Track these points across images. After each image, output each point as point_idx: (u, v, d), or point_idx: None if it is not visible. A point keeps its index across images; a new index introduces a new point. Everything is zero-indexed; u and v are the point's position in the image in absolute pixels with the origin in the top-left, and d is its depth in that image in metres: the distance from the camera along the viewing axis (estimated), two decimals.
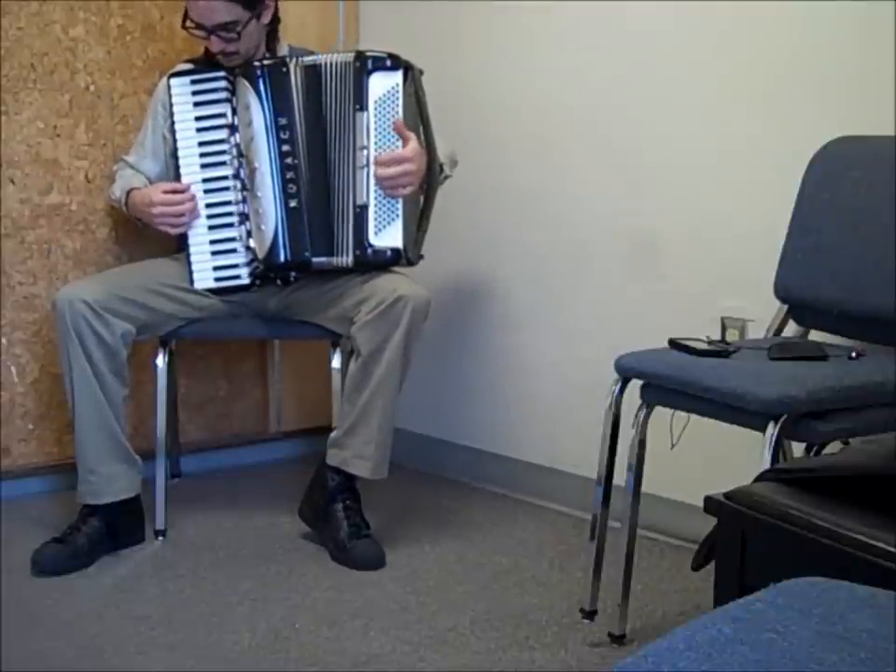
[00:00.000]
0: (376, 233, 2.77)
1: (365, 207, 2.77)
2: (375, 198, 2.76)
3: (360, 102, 2.76)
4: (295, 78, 2.80)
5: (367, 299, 2.73)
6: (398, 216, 2.77)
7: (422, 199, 2.87)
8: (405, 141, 2.74)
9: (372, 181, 2.76)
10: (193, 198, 2.85)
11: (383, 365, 2.70)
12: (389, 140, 2.76)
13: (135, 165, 3.00)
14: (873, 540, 1.37)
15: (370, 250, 2.78)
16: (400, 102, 2.75)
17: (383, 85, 2.75)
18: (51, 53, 3.10)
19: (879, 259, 2.25)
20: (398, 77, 2.75)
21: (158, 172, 2.99)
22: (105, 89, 3.20)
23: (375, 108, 2.75)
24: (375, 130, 2.76)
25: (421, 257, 2.89)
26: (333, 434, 2.81)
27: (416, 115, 2.81)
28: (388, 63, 2.76)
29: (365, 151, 2.76)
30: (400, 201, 2.77)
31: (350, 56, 2.79)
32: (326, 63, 2.80)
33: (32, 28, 3.07)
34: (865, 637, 0.98)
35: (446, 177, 2.91)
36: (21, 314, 3.13)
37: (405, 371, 2.75)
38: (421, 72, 2.83)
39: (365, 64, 2.76)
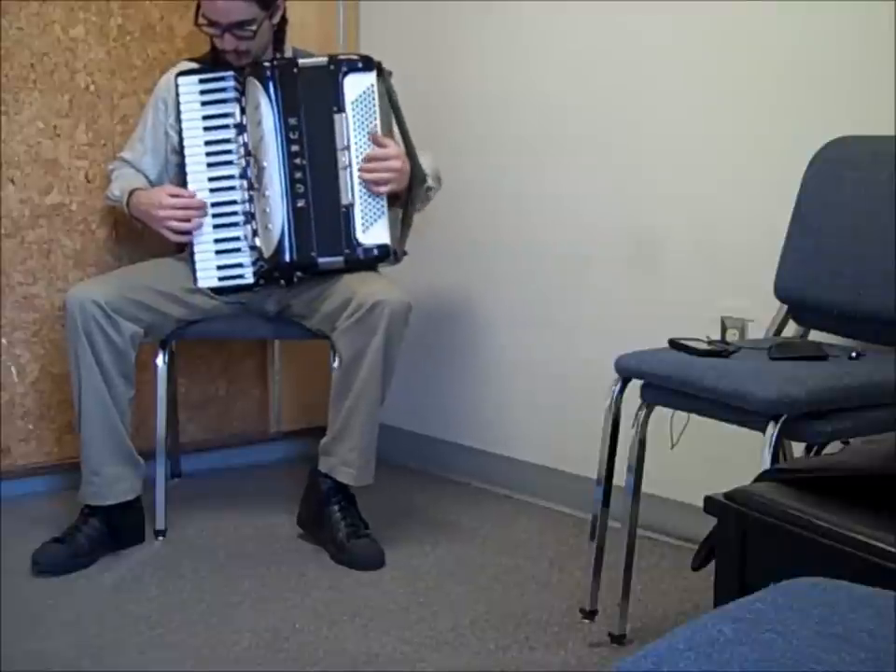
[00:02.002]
0: (364, 231, 2.79)
1: (350, 206, 2.79)
2: (360, 197, 2.79)
3: (337, 104, 2.78)
4: (304, 79, 2.81)
5: (346, 304, 2.73)
6: (383, 213, 2.80)
7: (404, 197, 2.88)
8: (383, 147, 2.78)
9: (356, 181, 2.79)
10: (203, 206, 2.85)
11: (363, 371, 2.70)
12: (368, 140, 2.79)
13: (134, 163, 2.99)
14: (873, 540, 1.37)
15: (359, 248, 2.80)
16: (376, 101, 2.78)
17: (357, 86, 2.79)
18: (51, 53, 3.10)
19: (879, 259, 2.25)
20: (371, 77, 2.79)
21: (158, 170, 2.98)
22: (105, 89, 3.20)
23: (352, 109, 2.78)
24: (354, 130, 2.78)
25: (405, 253, 2.90)
26: (323, 441, 2.81)
27: (390, 114, 2.85)
28: (360, 64, 2.79)
29: (346, 152, 2.78)
30: (385, 198, 2.80)
31: (323, 59, 2.81)
32: (301, 67, 2.81)
33: (32, 28, 3.07)
34: (865, 636, 0.98)
35: (429, 188, 2.92)
36: (21, 314, 3.13)
37: (388, 376, 2.74)
38: (390, 73, 2.85)
39: (339, 67, 2.79)
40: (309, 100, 2.81)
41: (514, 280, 3.25)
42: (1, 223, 3.07)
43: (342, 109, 2.78)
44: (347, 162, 2.79)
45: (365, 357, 2.69)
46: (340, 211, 2.79)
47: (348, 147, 2.79)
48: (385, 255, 2.81)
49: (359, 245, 2.79)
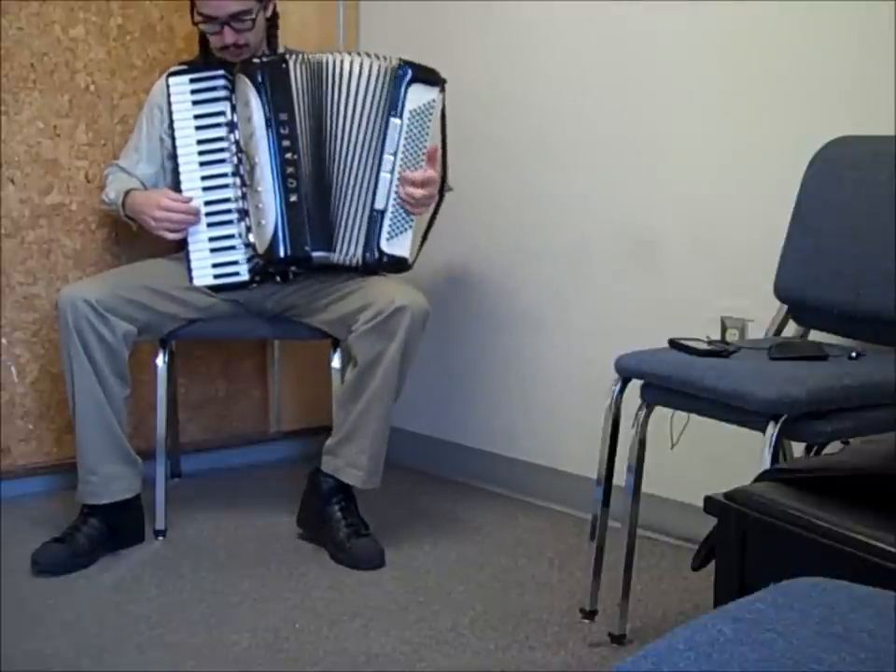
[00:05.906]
0: (388, 240, 2.81)
1: (382, 212, 2.81)
2: (393, 205, 2.81)
3: (395, 109, 2.80)
4: (298, 74, 2.81)
5: (365, 307, 2.72)
6: (410, 227, 2.83)
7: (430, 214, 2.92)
8: (431, 164, 2.78)
9: (394, 188, 2.80)
10: (197, 212, 2.86)
11: (379, 376, 2.70)
12: (416, 152, 2.81)
13: (128, 169, 2.99)
14: (873, 540, 1.37)
15: (378, 255, 2.81)
16: (433, 117, 2.81)
17: (420, 97, 2.81)
18: (51, 53, 3.10)
19: (879, 259, 2.25)
20: (435, 92, 2.82)
21: (153, 175, 2.98)
22: (105, 89, 3.20)
23: (409, 118, 2.80)
24: (405, 139, 2.80)
25: (410, 267, 2.91)
26: (328, 441, 2.81)
27: (440, 132, 2.87)
28: (429, 77, 2.82)
29: (392, 158, 2.80)
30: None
31: (394, 62, 2.81)
32: (362, 65, 2.82)
33: (32, 28, 3.07)
34: (865, 637, 0.98)
35: (449, 189, 2.93)
36: (21, 314, 3.13)
37: (402, 382, 2.74)
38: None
39: (406, 73, 2.80)
40: (368, 95, 2.80)
41: (514, 280, 3.25)
42: (1, 223, 3.07)
43: (399, 115, 2.80)
44: (391, 168, 2.80)
45: (382, 361, 2.69)
46: (371, 214, 2.81)
47: (395, 154, 2.80)
48: (401, 268, 2.84)
49: (380, 251, 2.81)
